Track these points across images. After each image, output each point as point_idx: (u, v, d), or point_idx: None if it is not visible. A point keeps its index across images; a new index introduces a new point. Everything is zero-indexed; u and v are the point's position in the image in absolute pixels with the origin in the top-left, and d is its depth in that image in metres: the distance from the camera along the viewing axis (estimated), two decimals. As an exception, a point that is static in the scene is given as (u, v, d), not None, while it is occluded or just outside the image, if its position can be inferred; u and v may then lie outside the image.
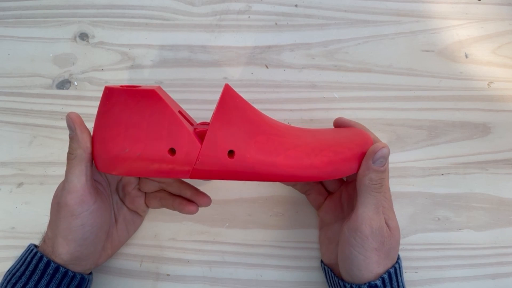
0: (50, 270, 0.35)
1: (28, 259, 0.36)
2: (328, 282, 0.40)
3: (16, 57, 0.47)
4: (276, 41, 0.47)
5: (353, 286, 0.35)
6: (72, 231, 0.34)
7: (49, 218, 0.37)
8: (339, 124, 0.40)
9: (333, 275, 0.38)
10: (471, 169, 0.45)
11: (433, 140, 0.45)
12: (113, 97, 0.33)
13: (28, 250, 0.37)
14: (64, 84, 0.47)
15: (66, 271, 0.35)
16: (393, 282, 0.35)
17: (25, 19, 0.48)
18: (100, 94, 0.46)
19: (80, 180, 0.34)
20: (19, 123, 0.46)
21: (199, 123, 0.38)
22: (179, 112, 0.35)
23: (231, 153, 0.33)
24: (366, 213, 0.34)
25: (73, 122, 0.34)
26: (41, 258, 0.35)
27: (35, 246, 0.37)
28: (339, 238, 0.36)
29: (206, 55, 0.47)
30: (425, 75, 0.46)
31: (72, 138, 0.34)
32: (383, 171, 0.34)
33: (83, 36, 0.47)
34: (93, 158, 0.34)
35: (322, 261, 0.41)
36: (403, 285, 0.36)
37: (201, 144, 0.33)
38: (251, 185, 0.44)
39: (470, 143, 0.45)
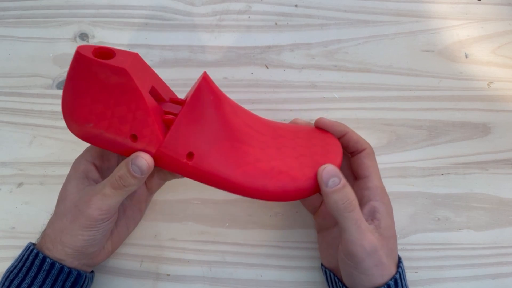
0: (46, 266, 0.35)
1: (26, 256, 0.36)
2: (329, 284, 0.40)
3: (16, 57, 0.47)
4: (276, 41, 0.47)
5: None
6: (84, 233, 0.35)
7: (53, 212, 0.37)
8: (320, 126, 0.38)
9: (336, 279, 0.38)
10: (471, 169, 0.45)
11: (433, 140, 0.45)
12: (83, 65, 0.32)
13: (26, 248, 0.37)
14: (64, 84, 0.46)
15: (62, 266, 0.35)
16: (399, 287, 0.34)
17: (25, 19, 0.48)
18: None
19: (116, 204, 0.35)
20: (19, 123, 0.46)
21: (174, 100, 0.36)
22: (153, 88, 0.34)
23: (190, 155, 0.33)
24: (352, 237, 0.33)
25: (148, 166, 0.33)
26: (37, 254, 0.35)
27: (34, 244, 0.37)
28: (338, 258, 0.36)
29: (206, 55, 0.47)
30: (425, 75, 0.46)
31: (136, 178, 0.33)
32: (341, 188, 0.32)
33: (83, 36, 0.47)
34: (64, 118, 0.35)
35: (322, 264, 0.41)
36: (406, 286, 0.36)
37: (163, 138, 0.32)
38: (251, 185, 0.44)
39: (470, 143, 0.45)
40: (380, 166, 0.44)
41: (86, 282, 0.38)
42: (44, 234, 0.37)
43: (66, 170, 0.45)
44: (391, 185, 0.44)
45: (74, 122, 0.34)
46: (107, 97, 0.32)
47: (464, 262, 0.43)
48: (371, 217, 0.35)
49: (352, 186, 0.35)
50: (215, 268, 0.43)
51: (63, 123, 0.46)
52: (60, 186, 0.44)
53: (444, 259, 0.43)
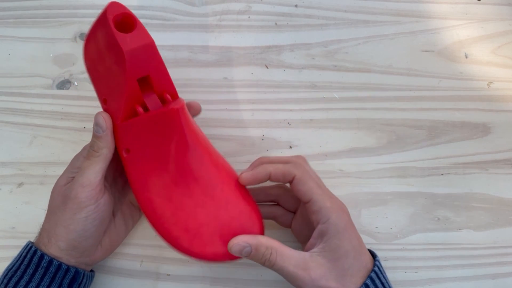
0: (44, 264, 0.35)
1: (24, 254, 0.36)
2: None
3: (16, 57, 0.47)
4: (276, 41, 0.47)
5: None
6: (74, 221, 0.35)
7: (46, 211, 0.37)
8: (244, 183, 0.37)
9: None
10: (471, 169, 0.45)
11: (433, 140, 0.45)
12: (103, 25, 0.34)
13: (25, 246, 0.37)
14: (64, 84, 0.47)
15: (60, 264, 0.35)
16: None
17: (25, 19, 0.48)
18: (100, 94, 0.46)
19: (97, 176, 0.35)
20: (19, 123, 0.46)
21: (162, 96, 0.36)
22: (148, 77, 0.34)
23: (127, 151, 0.35)
24: (289, 280, 0.35)
25: (106, 122, 0.35)
26: (35, 252, 0.35)
27: (32, 243, 0.37)
28: None
29: (206, 55, 0.47)
30: (425, 75, 0.46)
31: (100, 137, 0.35)
32: (255, 254, 0.34)
33: (83, 36, 0.47)
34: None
35: None
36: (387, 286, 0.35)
37: (121, 121, 0.34)
38: (251, 186, 0.44)
39: (470, 143, 0.45)
40: (380, 166, 0.44)
41: (85, 280, 0.38)
42: (41, 231, 0.37)
43: (66, 170, 0.45)
44: (391, 185, 0.44)
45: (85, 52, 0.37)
46: (107, 56, 0.34)
47: (464, 262, 0.43)
48: (319, 239, 0.35)
49: (305, 207, 0.37)
50: (215, 268, 0.43)
51: (63, 123, 0.46)
52: (60, 186, 0.44)
53: (444, 259, 0.43)
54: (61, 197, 0.36)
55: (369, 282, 0.34)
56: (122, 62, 0.32)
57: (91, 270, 0.40)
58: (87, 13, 0.48)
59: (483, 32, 0.47)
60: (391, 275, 0.42)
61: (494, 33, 0.47)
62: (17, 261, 0.36)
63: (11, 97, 0.46)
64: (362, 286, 0.34)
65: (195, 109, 0.40)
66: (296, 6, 0.47)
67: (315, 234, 0.35)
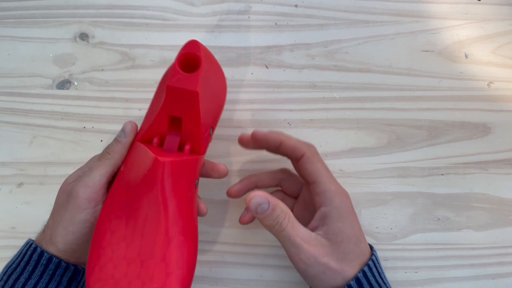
0: (43, 261, 0.35)
1: (24, 251, 0.36)
2: None
3: (16, 57, 0.47)
4: (276, 41, 0.47)
5: None
6: (73, 223, 0.35)
7: (52, 208, 0.37)
8: (255, 139, 0.37)
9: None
10: (471, 169, 0.45)
11: (433, 140, 0.45)
12: (170, 70, 0.35)
13: (25, 243, 0.37)
14: (64, 84, 0.47)
15: (59, 261, 0.35)
16: (364, 286, 0.34)
17: (25, 19, 0.48)
18: (100, 94, 0.46)
19: (101, 179, 0.35)
20: (19, 123, 0.46)
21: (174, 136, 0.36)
22: (180, 119, 0.35)
23: (123, 167, 0.36)
24: (289, 252, 0.34)
25: (130, 131, 0.36)
26: (35, 249, 0.35)
27: (33, 240, 0.37)
28: None
29: (206, 55, 0.47)
30: (425, 75, 0.46)
31: (119, 142, 0.36)
32: (270, 213, 0.33)
33: (83, 36, 0.47)
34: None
35: None
36: (380, 283, 0.35)
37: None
38: (251, 185, 0.44)
39: (470, 143, 0.45)
40: (380, 166, 0.44)
41: (84, 278, 0.37)
42: (45, 227, 0.37)
43: (66, 170, 0.45)
44: (391, 185, 0.44)
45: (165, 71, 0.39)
46: (164, 82, 0.36)
47: (464, 262, 0.43)
48: (321, 222, 0.35)
49: (310, 188, 0.37)
50: (215, 268, 0.43)
51: (63, 123, 0.46)
52: (60, 186, 0.44)
53: (444, 259, 0.43)
54: (65, 195, 0.36)
55: (366, 269, 0.34)
56: (165, 93, 0.33)
57: None
58: (87, 13, 0.48)
59: (483, 32, 0.47)
60: (391, 275, 0.42)
61: (494, 33, 0.47)
62: (17, 258, 0.36)
63: (11, 97, 0.46)
64: (359, 272, 0.34)
65: (219, 172, 0.38)
66: (296, 6, 0.47)
67: (317, 216, 0.35)
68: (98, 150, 0.45)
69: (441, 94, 0.46)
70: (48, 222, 0.37)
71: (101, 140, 0.45)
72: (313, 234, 0.35)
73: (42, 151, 0.45)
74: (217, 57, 0.46)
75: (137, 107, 0.46)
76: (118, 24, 0.47)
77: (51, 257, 0.35)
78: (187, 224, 0.34)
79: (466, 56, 0.46)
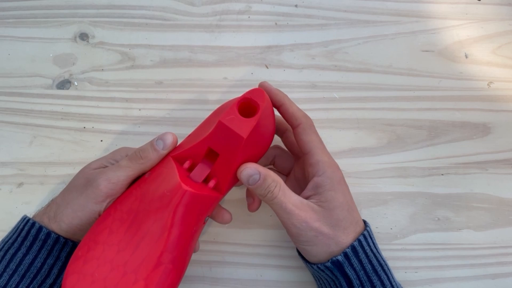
0: (42, 236, 0.35)
1: (21, 226, 0.36)
2: (308, 267, 0.40)
3: (16, 57, 0.47)
4: (276, 41, 0.47)
5: (319, 265, 0.35)
6: (84, 210, 0.35)
7: (66, 186, 0.37)
8: (262, 89, 0.37)
9: (303, 260, 0.38)
10: (471, 169, 0.45)
11: (433, 140, 0.45)
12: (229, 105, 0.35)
13: (21, 219, 0.37)
14: (64, 84, 0.47)
15: (58, 236, 0.35)
16: (360, 254, 0.35)
17: (25, 19, 0.48)
18: (100, 94, 0.46)
19: (126, 179, 0.35)
20: (19, 123, 0.46)
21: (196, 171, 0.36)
22: (218, 154, 0.35)
23: (148, 175, 0.36)
24: (282, 218, 0.35)
25: (170, 144, 0.36)
26: (33, 224, 0.35)
27: (28, 216, 0.37)
28: None
29: (206, 55, 0.47)
30: (425, 75, 0.46)
31: (156, 151, 0.35)
32: (262, 183, 0.34)
33: (83, 36, 0.47)
34: None
35: (297, 249, 0.41)
36: (374, 254, 0.36)
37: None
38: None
39: (470, 143, 0.45)
40: (380, 166, 0.44)
41: None
42: (51, 202, 0.37)
43: (66, 170, 0.45)
44: (391, 185, 0.44)
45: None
46: (219, 114, 0.36)
47: (464, 262, 0.43)
48: (314, 191, 0.36)
49: (302, 160, 0.38)
50: (215, 268, 0.43)
51: (63, 123, 0.46)
52: (60, 186, 0.44)
53: (444, 259, 0.43)
54: (85, 180, 0.36)
55: (362, 238, 0.35)
56: (215, 126, 0.34)
57: None
58: (87, 13, 0.48)
59: (483, 32, 0.47)
60: (391, 275, 0.42)
61: (494, 33, 0.47)
62: (13, 234, 0.36)
63: (11, 97, 0.46)
64: (355, 241, 0.35)
65: (222, 219, 0.39)
66: (296, 6, 0.47)
67: (309, 186, 0.36)
68: (98, 150, 0.45)
69: (441, 94, 0.46)
70: (56, 199, 0.37)
71: (101, 140, 0.45)
72: (305, 200, 0.35)
73: (42, 151, 0.45)
74: (217, 57, 0.47)
75: (137, 107, 0.46)
76: (118, 24, 0.47)
77: (49, 232, 0.35)
78: (180, 256, 0.34)
79: (466, 56, 0.46)
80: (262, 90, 0.35)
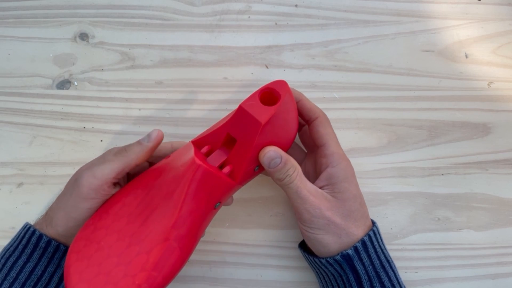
0: (42, 244, 0.35)
1: (22, 234, 0.36)
2: (308, 264, 0.40)
3: (16, 57, 0.47)
4: (276, 41, 0.47)
5: (328, 259, 0.35)
6: (76, 209, 0.35)
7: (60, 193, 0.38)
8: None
9: (309, 257, 0.39)
10: (471, 169, 0.45)
11: (433, 140, 0.45)
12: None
13: (23, 226, 0.37)
14: (64, 84, 0.47)
15: (58, 244, 0.35)
16: (369, 249, 0.35)
17: (25, 19, 0.48)
18: (100, 94, 0.46)
19: (110, 173, 0.35)
20: (19, 123, 0.46)
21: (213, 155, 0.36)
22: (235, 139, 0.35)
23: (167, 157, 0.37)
24: (295, 203, 0.35)
25: (155, 138, 0.37)
26: (33, 232, 0.35)
27: (30, 224, 0.37)
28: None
29: (206, 55, 0.47)
30: (425, 75, 0.46)
31: (140, 144, 0.36)
32: (282, 167, 0.35)
33: (83, 36, 0.47)
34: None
35: (299, 245, 0.41)
36: (381, 251, 0.36)
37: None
38: (251, 186, 0.44)
39: (470, 143, 0.45)
40: (380, 166, 0.44)
41: None
42: (48, 210, 0.37)
43: (66, 170, 0.45)
44: (391, 185, 0.44)
45: None
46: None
47: (464, 262, 0.43)
48: (328, 182, 0.37)
49: (315, 153, 0.39)
50: (215, 268, 0.43)
51: (63, 123, 0.46)
52: (60, 186, 0.44)
53: (444, 259, 0.43)
54: (73, 180, 0.36)
55: (371, 233, 0.36)
56: (235, 111, 0.35)
57: None
58: (87, 13, 0.48)
59: (483, 32, 0.47)
60: (391, 275, 0.42)
61: (494, 33, 0.47)
62: (14, 242, 0.36)
63: (11, 97, 0.46)
64: (365, 236, 0.35)
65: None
66: (296, 6, 0.47)
67: (323, 176, 0.37)
68: (98, 150, 0.45)
69: (441, 94, 0.46)
70: (52, 204, 0.37)
71: (101, 140, 0.45)
72: (319, 189, 0.36)
73: (42, 151, 0.45)
74: (217, 57, 0.47)
75: (137, 107, 0.46)
76: (118, 24, 0.47)
77: (50, 240, 0.35)
78: (187, 236, 0.34)
79: (466, 56, 0.46)
80: (286, 82, 0.36)
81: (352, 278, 0.35)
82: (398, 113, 0.46)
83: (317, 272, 0.39)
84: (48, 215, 0.37)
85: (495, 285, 0.43)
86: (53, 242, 0.35)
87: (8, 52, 0.47)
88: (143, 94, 0.46)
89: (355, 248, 0.35)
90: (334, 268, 0.36)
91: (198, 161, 0.33)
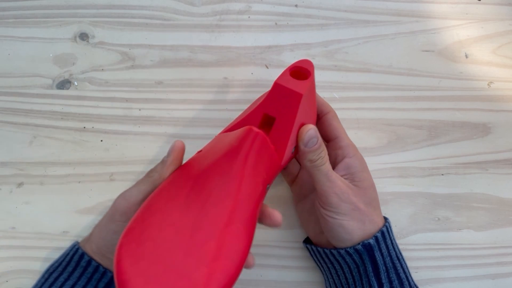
0: (83, 263, 0.35)
1: (67, 251, 0.37)
2: (314, 258, 0.40)
3: (16, 57, 0.47)
4: (276, 41, 0.47)
5: (348, 250, 0.36)
6: (106, 230, 0.35)
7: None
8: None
9: (320, 250, 0.38)
10: (471, 169, 0.45)
11: (433, 140, 0.45)
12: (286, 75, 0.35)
13: (72, 244, 0.38)
14: (64, 84, 0.47)
15: (98, 266, 0.35)
16: (387, 240, 0.36)
17: (25, 19, 0.48)
18: (100, 94, 0.46)
19: (138, 195, 0.34)
20: (19, 123, 0.46)
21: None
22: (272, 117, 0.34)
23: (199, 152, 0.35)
24: (324, 186, 0.35)
25: (173, 150, 0.34)
26: (77, 250, 0.36)
27: (78, 242, 0.38)
28: (318, 215, 0.38)
29: (206, 55, 0.47)
30: (425, 75, 0.46)
31: (162, 161, 0.35)
32: (318, 148, 0.35)
33: (83, 36, 0.47)
34: None
35: (304, 241, 0.41)
36: (396, 243, 0.38)
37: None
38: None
39: (470, 143, 0.45)
40: (380, 166, 0.44)
41: None
42: (95, 226, 0.37)
43: (66, 170, 0.45)
44: (391, 185, 0.44)
45: None
46: None
47: (464, 262, 0.43)
48: (346, 171, 0.37)
49: (327, 146, 0.39)
50: (215, 268, 0.43)
51: (63, 123, 0.46)
52: (60, 186, 0.44)
53: (444, 259, 0.43)
54: (112, 202, 0.35)
55: (388, 225, 0.37)
56: (270, 90, 0.34)
57: None
58: (87, 13, 0.48)
59: (483, 32, 0.47)
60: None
61: (494, 33, 0.47)
62: (60, 257, 0.37)
63: (11, 97, 0.46)
64: (384, 227, 0.36)
65: (271, 220, 0.35)
66: (296, 6, 0.47)
67: (341, 166, 0.38)
68: (98, 150, 0.45)
69: (441, 94, 0.46)
70: (98, 222, 0.38)
71: (101, 140, 0.45)
72: (343, 178, 0.37)
73: (42, 151, 0.45)
74: (217, 57, 0.47)
75: (137, 107, 0.46)
76: (118, 24, 0.47)
77: (90, 260, 0.35)
78: (250, 217, 0.31)
79: (466, 56, 0.46)
80: (310, 61, 0.37)
81: (370, 268, 0.35)
82: (398, 113, 0.46)
83: (327, 267, 0.39)
84: (92, 232, 0.37)
85: (495, 285, 0.43)
86: (92, 262, 0.35)
87: (8, 52, 0.47)
88: (143, 94, 0.46)
89: (376, 238, 0.35)
90: (353, 259, 0.36)
91: (256, 129, 0.32)
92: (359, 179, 0.37)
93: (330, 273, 0.39)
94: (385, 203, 0.44)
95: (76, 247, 0.36)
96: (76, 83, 0.46)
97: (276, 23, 0.47)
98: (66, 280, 0.35)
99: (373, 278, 0.35)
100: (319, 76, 0.46)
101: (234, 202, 0.30)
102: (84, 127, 0.46)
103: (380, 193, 0.44)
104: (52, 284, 0.35)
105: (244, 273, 0.43)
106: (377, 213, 0.37)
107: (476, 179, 0.44)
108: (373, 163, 0.44)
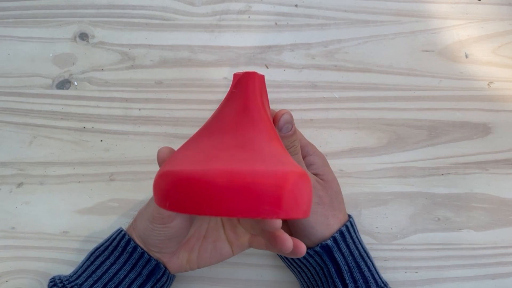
0: (129, 249, 0.35)
1: (114, 236, 0.37)
2: (287, 264, 0.40)
3: (16, 57, 0.47)
4: (276, 41, 0.47)
5: (309, 251, 0.36)
6: (145, 217, 0.35)
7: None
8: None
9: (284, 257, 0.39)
10: (471, 169, 0.45)
11: (433, 140, 0.45)
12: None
13: (116, 230, 0.38)
14: (64, 84, 0.47)
15: (143, 252, 0.35)
16: (347, 239, 0.36)
17: (25, 19, 0.48)
18: (99, 94, 0.46)
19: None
20: (19, 123, 0.46)
21: None
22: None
23: None
24: None
25: (159, 157, 0.32)
26: (123, 236, 0.36)
27: (123, 229, 0.38)
28: None
29: (206, 55, 0.47)
30: (425, 75, 0.46)
31: None
32: (292, 135, 0.35)
33: (83, 36, 0.47)
34: None
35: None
36: (359, 241, 0.38)
37: None
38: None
39: (470, 143, 0.45)
40: (380, 166, 0.44)
41: (164, 278, 0.36)
42: (138, 212, 0.38)
43: (66, 170, 0.45)
44: (391, 185, 0.44)
45: None
46: None
47: (464, 262, 0.43)
48: (310, 169, 0.38)
49: None
50: (215, 268, 0.43)
51: (63, 123, 0.46)
52: (60, 186, 0.44)
53: (444, 259, 0.43)
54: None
55: (348, 224, 0.37)
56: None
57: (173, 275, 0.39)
58: (87, 13, 0.48)
59: (483, 32, 0.47)
60: (391, 275, 0.42)
61: (494, 33, 0.47)
62: (106, 242, 0.37)
63: (11, 97, 0.46)
64: (343, 226, 0.36)
65: (283, 244, 0.31)
66: (296, 6, 0.47)
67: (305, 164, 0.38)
68: (98, 150, 0.45)
69: (441, 94, 0.46)
70: (141, 209, 0.38)
71: (101, 140, 0.45)
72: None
73: (42, 151, 0.45)
74: (217, 57, 0.47)
75: (137, 107, 0.46)
76: (118, 24, 0.47)
77: (136, 246, 0.35)
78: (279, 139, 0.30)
79: (466, 56, 0.46)
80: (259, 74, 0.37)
81: (333, 269, 0.35)
82: (398, 113, 0.46)
83: (298, 270, 0.39)
84: (136, 218, 0.37)
85: (495, 285, 0.43)
86: (138, 248, 0.35)
87: (8, 52, 0.47)
88: (143, 94, 0.46)
89: (334, 239, 0.35)
90: (315, 260, 0.36)
91: (251, 72, 0.34)
92: (323, 173, 0.38)
93: (301, 276, 0.39)
94: (385, 203, 0.44)
95: (123, 232, 0.36)
96: (76, 83, 0.46)
97: (276, 23, 0.47)
98: (112, 264, 0.35)
99: (337, 279, 0.35)
100: (319, 76, 0.46)
101: (265, 123, 0.30)
102: (84, 127, 0.46)
103: (380, 193, 0.44)
104: (98, 267, 0.35)
105: (244, 273, 0.43)
106: (341, 208, 0.38)
107: (476, 179, 0.44)
108: (373, 163, 0.44)
